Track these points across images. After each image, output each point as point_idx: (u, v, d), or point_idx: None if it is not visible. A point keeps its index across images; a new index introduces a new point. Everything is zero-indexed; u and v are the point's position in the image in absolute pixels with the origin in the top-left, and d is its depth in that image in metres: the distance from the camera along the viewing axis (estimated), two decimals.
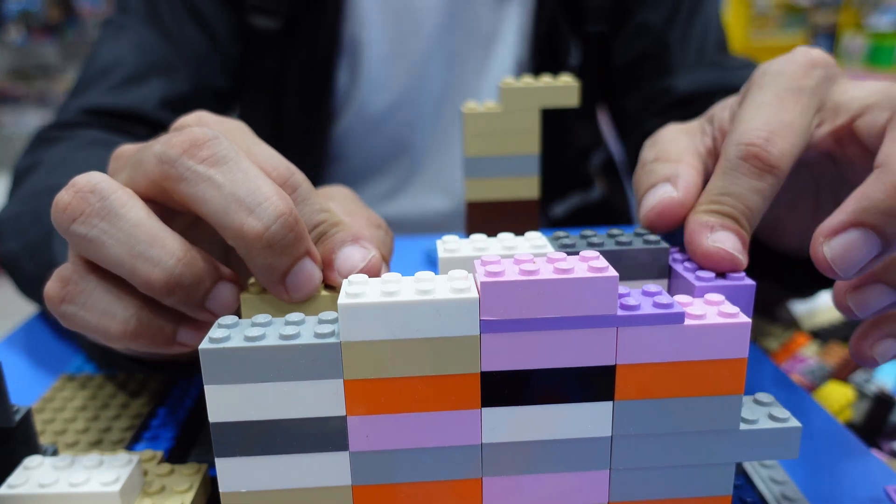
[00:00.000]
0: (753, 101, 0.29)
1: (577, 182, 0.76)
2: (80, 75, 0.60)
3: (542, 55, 0.68)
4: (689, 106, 0.63)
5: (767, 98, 0.29)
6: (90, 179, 0.24)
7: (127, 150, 0.29)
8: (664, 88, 0.66)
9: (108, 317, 0.25)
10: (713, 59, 0.65)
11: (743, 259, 0.26)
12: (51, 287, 0.25)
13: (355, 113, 0.69)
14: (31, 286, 0.42)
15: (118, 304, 0.25)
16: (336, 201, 0.31)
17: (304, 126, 0.68)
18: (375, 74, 0.67)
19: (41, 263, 0.38)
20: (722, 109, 0.32)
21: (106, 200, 0.24)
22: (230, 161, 0.24)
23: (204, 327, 0.26)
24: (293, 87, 0.66)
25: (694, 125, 0.33)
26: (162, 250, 0.23)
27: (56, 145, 0.51)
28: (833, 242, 0.25)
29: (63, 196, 0.24)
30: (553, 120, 0.65)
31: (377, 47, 0.66)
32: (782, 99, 0.28)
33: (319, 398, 0.22)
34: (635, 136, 0.69)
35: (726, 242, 0.26)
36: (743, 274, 0.26)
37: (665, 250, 0.27)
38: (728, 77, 0.62)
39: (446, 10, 0.66)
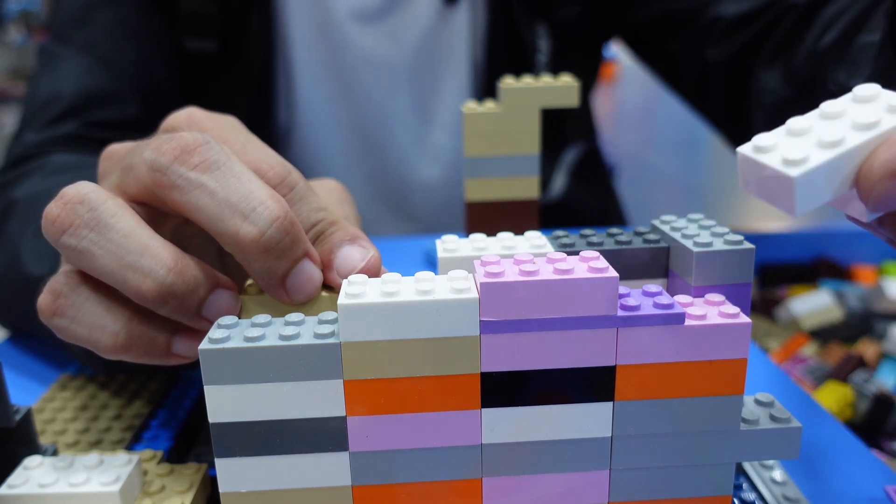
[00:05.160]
0: None
1: None
2: (22, 113, 0.56)
3: (503, 60, 0.63)
4: (745, 30, 0.57)
5: None
6: (79, 190, 0.24)
7: (117, 150, 0.29)
8: (712, 20, 0.59)
9: (98, 330, 0.24)
10: None
11: None
12: (43, 300, 0.25)
13: (298, 155, 0.66)
14: (12, 309, 0.42)
15: (108, 317, 0.24)
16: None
17: None
18: (309, 98, 0.64)
19: (17, 286, 0.37)
20: None
21: (95, 211, 0.23)
22: (222, 166, 0.23)
23: (201, 337, 0.25)
24: (237, 114, 0.62)
25: None
26: (152, 260, 0.23)
27: (20, 183, 0.46)
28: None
29: (52, 208, 0.24)
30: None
31: (307, 68, 0.63)
32: None
33: (319, 398, 0.22)
34: (702, 72, 0.62)
35: None
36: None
37: (665, 249, 0.27)
38: None
39: (375, 24, 0.62)
